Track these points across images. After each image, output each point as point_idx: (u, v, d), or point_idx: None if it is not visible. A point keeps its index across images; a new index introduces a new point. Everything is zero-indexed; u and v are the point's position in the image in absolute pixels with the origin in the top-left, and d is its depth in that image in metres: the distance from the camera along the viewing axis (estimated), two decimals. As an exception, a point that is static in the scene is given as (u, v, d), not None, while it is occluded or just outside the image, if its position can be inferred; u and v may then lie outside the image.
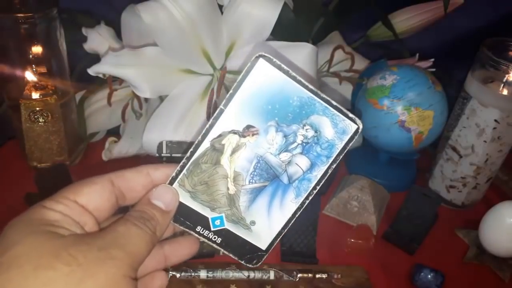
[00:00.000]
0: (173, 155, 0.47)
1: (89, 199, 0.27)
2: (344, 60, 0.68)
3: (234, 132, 0.29)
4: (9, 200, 0.56)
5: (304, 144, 0.29)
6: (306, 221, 0.54)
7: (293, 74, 0.28)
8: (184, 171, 0.30)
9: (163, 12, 0.50)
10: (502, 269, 0.55)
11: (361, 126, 0.29)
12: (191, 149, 0.29)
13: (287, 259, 0.52)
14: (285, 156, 0.30)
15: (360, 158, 0.68)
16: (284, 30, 0.57)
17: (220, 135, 0.29)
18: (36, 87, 0.58)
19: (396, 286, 0.52)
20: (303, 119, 0.29)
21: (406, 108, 0.58)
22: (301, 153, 0.30)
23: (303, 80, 0.28)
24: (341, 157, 0.30)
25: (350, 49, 0.69)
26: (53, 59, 0.59)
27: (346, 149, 0.30)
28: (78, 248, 0.24)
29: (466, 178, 0.61)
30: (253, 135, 0.29)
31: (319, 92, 0.28)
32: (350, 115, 0.29)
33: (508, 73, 0.54)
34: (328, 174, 0.30)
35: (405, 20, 0.68)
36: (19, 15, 0.54)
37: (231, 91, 0.28)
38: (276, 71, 0.28)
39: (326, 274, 0.50)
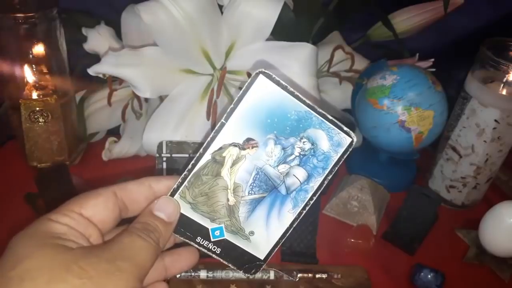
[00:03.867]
0: (173, 155, 0.48)
1: (94, 211, 0.28)
2: (344, 60, 0.68)
3: (234, 144, 0.30)
4: (9, 200, 0.56)
5: (302, 156, 0.31)
6: (306, 221, 0.54)
7: (291, 89, 0.29)
8: (186, 183, 0.30)
9: (163, 12, 0.50)
10: (502, 269, 0.55)
11: (355, 139, 0.31)
12: (193, 162, 0.30)
13: (287, 259, 0.52)
14: (283, 167, 0.31)
15: (360, 158, 0.68)
16: (284, 30, 0.57)
17: (221, 148, 0.30)
18: (36, 87, 0.58)
19: (396, 286, 0.52)
20: (301, 132, 0.30)
21: (406, 108, 0.58)
22: (298, 165, 0.31)
23: (300, 95, 0.29)
24: (336, 168, 0.31)
25: (350, 49, 0.69)
26: (53, 59, 0.59)
27: (341, 161, 0.31)
28: (87, 261, 0.24)
29: (466, 178, 0.61)
30: (252, 147, 0.30)
31: (315, 106, 0.30)
32: (345, 128, 0.30)
33: (508, 73, 0.54)
34: (324, 186, 0.32)
35: (405, 20, 0.68)
36: (19, 15, 0.54)
37: (232, 106, 0.29)
38: (275, 87, 0.29)
39: (326, 274, 0.50)
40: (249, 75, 0.30)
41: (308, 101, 0.29)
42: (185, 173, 0.30)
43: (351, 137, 0.30)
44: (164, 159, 0.47)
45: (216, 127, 0.29)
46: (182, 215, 0.31)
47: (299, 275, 0.49)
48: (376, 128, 0.61)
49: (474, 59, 0.58)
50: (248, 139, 0.30)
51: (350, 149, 0.31)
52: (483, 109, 0.56)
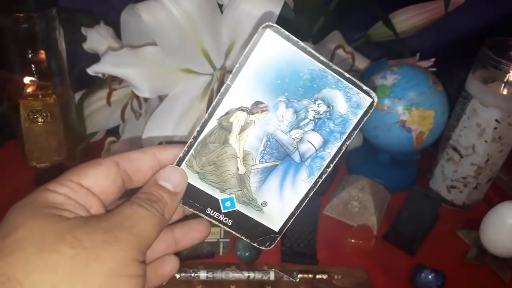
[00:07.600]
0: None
1: (95, 181, 0.26)
2: (344, 60, 0.68)
3: (242, 109, 0.27)
4: (8, 200, 0.55)
5: (316, 120, 0.28)
6: (306, 221, 0.53)
7: (303, 45, 0.26)
8: (192, 151, 0.28)
9: (163, 12, 0.50)
10: (503, 269, 0.54)
11: (376, 99, 0.28)
12: (198, 128, 0.28)
13: (287, 260, 0.52)
14: (296, 133, 0.28)
15: (360, 158, 0.68)
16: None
17: (227, 113, 0.27)
18: (35, 87, 0.57)
19: (397, 287, 0.52)
20: (315, 93, 0.27)
21: (406, 108, 0.58)
22: (313, 130, 0.28)
23: (313, 51, 0.26)
24: (355, 132, 0.28)
25: (350, 48, 0.69)
26: (53, 59, 0.58)
27: (361, 124, 0.28)
28: (83, 230, 0.23)
29: (467, 178, 0.61)
30: (262, 111, 0.28)
31: (330, 63, 0.27)
32: (365, 87, 0.27)
33: (509, 73, 0.54)
34: (342, 151, 0.29)
35: (405, 20, 0.68)
36: (18, 14, 0.54)
37: (237, 65, 0.26)
38: (284, 42, 0.26)
39: (326, 275, 0.50)
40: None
41: (322, 58, 0.26)
42: (190, 140, 0.28)
43: (371, 97, 0.28)
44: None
45: (221, 90, 0.27)
46: (190, 185, 0.29)
47: (299, 275, 0.49)
48: (376, 128, 0.61)
49: (475, 58, 0.58)
50: (257, 103, 0.27)
51: (371, 111, 0.28)
52: (484, 109, 0.56)
